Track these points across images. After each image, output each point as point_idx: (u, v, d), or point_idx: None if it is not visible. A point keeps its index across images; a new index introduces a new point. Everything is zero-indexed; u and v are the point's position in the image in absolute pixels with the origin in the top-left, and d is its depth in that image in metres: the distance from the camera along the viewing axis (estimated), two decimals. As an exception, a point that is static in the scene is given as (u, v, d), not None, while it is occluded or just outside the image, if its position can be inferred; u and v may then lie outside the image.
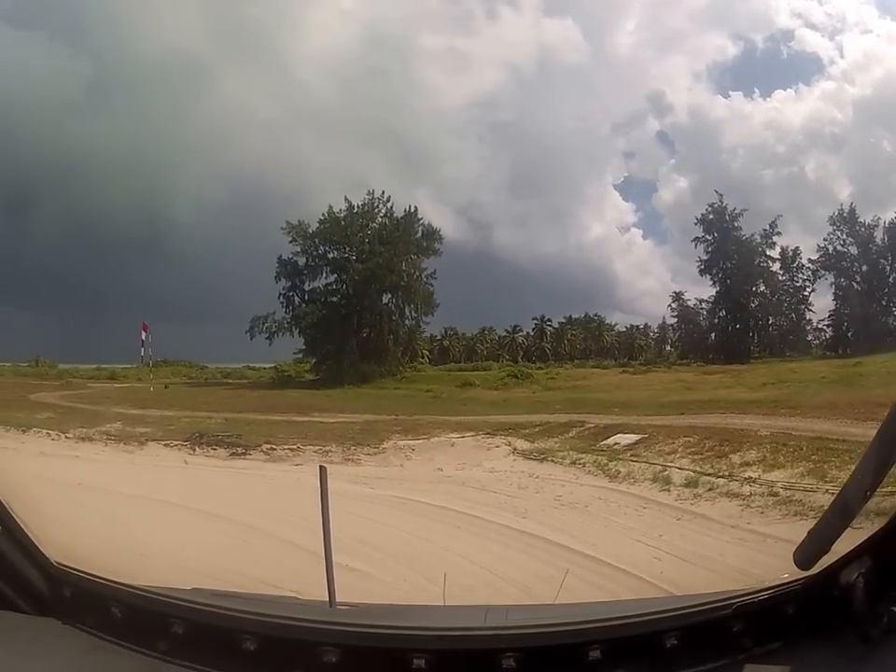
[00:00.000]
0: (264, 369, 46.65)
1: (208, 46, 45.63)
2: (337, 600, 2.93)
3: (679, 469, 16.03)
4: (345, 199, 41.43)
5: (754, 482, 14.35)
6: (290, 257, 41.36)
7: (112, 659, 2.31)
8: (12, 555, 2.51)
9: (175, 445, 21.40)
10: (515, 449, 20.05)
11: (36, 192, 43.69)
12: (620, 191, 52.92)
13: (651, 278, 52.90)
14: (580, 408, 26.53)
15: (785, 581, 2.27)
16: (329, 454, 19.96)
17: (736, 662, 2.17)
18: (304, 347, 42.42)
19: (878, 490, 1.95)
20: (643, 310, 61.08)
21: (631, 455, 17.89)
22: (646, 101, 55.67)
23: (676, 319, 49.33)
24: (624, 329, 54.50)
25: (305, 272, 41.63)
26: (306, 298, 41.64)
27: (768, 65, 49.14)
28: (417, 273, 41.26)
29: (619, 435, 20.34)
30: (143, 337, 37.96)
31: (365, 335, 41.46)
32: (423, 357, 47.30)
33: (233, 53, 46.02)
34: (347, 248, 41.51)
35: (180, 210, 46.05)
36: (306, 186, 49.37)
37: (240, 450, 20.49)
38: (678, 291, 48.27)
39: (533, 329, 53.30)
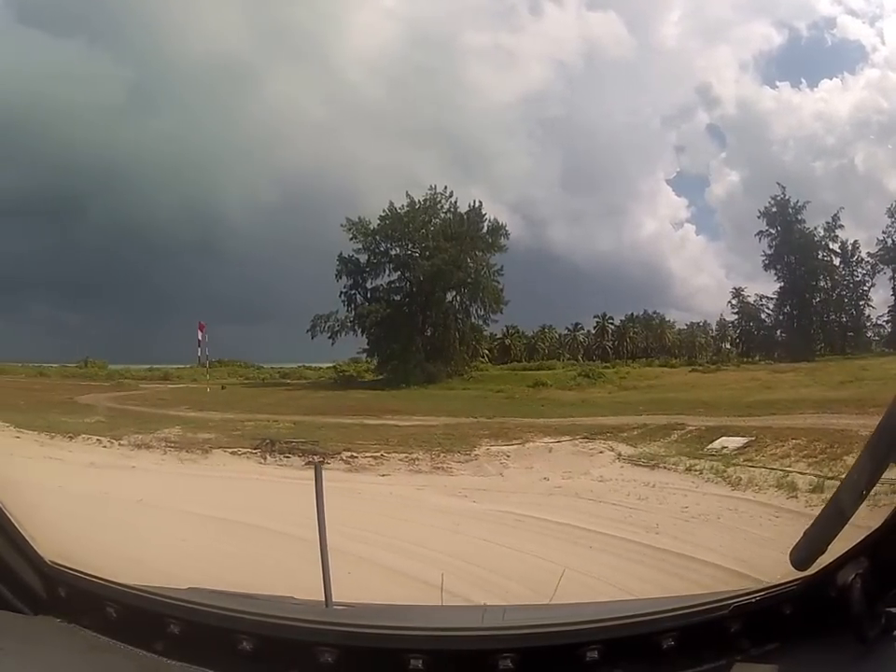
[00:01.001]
0: (322, 369, 44.95)
1: (253, 48, 45.38)
2: (333, 600, 2.85)
3: (799, 473, 14.76)
4: (406, 194, 39.82)
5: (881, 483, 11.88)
6: (351, 254, 39.69)
7: (108, 659, 2.25)
8: (6, 554, 2.40)
9: (244, 453, 18.88)
10: (620, 454, 18.05)
11: (86, 196, 43.77)
12: (672, 186, 50.99)
13: (706, 275, 51.50)
14: (664, 409, 24.69)
15: (782, 582, 2.21)
16: (417, 462, 17.79)
17: (734, 662, 2.11)
18: (367, 347, 40.79)
19: (875, 490, 1.87)
20: (698, 307, 58.26)
21: (745, 460, 16.38)
22: (694, 93, 53.10)
23: (736, 316, 47.83)
24: (685, 327, 52.20)
25: (367, 269, 39.75)
26: (368, 296, 39.85)
27: (813, 54, 47.65)
28: (485, 269, 39.05)
29: (724, 438, 18.72)
30: (199, 337, 36.55)
31: (430, 334, 39.59)
32: (483, 357, 44.93)
33: (279, 55, 45.80)
34: (410, 245, 39.64)
35: (233, 211, 45.59)
36: (359, 185, 47.94)
37: (316, 458, 17.70)
38: (737, 287, 46.64)
39: (595, 327, 51.33)
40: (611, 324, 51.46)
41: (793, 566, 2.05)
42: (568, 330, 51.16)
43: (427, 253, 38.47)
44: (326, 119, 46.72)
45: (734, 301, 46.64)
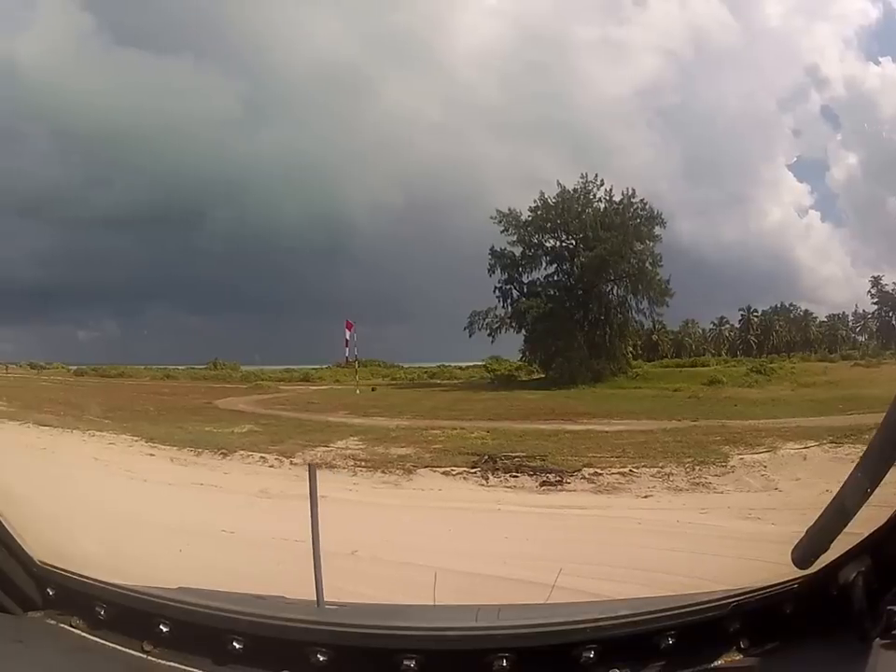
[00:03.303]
0: (468, 368, 43.30)
1: (363, 55, 44.25)
2: (325, 599, 2.79)
3: None
4: (558, 183, 36.18)
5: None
6: (504, 248, 36.32)
7: (97, 659, 2.21)
8: None
9: (459, 473, 14.38)
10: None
11: (207, 206, 43.91)
12: (793, 172, 46.24)
13: (832, 263, 47.00)
14: (865, 407, 19.93)
15: (783, 581, 2.16)
16: (672, 477, 13.63)
17: (734, 662, 2.07)
18: (524, 344, 37.65)
19: (877, 489, 1.80)
20: (825, 298, 53.41)
21: None
22: (804, 74, 48.78)
23: (876, 306, 44.60)
24: (825, 319, 48.77)
25: (523, 262, 36.41)
26: (525, 290, 36.47)
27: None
28: (651, 259, 34.89)
29: None
30: (346, 336, 33.61)
31: (591, 330, 35.76)
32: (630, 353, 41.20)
33: (390, 60, 44.65)
34: (564, 236, 36.18)
35: (359, 215, 44.45)
36: (483, 183, 45.74)
37: (552, 477, 13.67)
38: (876, 276, 42.97)
39: (740, 321, 48.14)
40: (756, 317, 48.32)
41: (795, 564, 1.95)
42: (714, 325, 48.15)
43: (587, 244, 35.05)
44: (442, 119, 45.65)
45: (872, 291, 43.31)
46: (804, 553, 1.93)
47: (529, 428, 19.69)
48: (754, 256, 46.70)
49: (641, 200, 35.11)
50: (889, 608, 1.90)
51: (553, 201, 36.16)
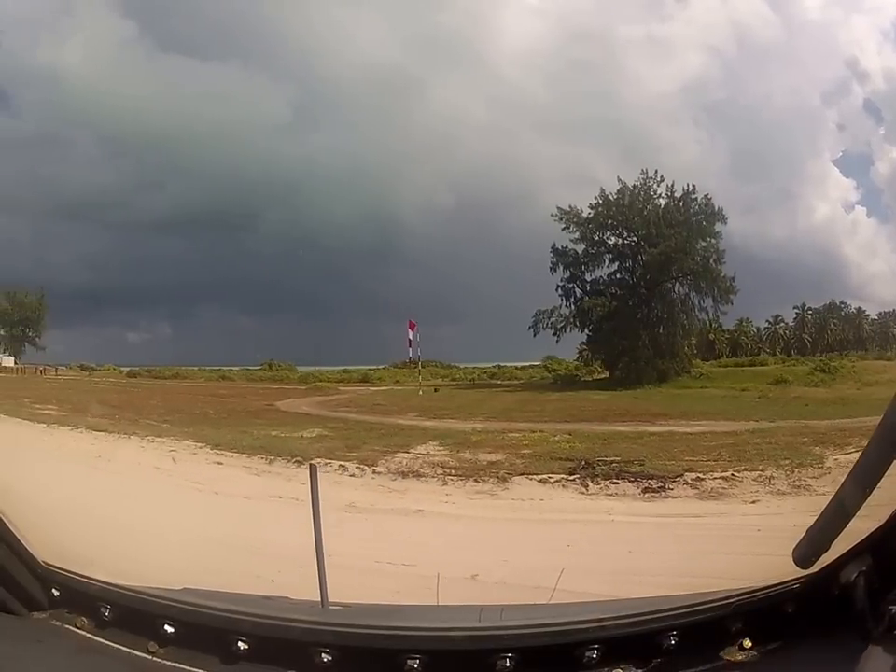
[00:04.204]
0: (526, 367, 43.23)
1: (409, 57, 46.04)
2: (329, 600, 2.76)
3: None
4: (618, 179, 36.04)
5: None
6: (566, 246, 36.05)
7: (101, 659, 2.21)
8: (1, 555, 2.34)
9: (557, 481, 13.38)
10: None
11: (260, 208, 46.02)
12: (839, 167, 46.73)
13: (879, 260, 46.53)
14: None
15: (784, 580, 2.15)
16: (773, 481, 12.79)
17: (736, 661, 2.05)
18: (586, 343, 37.67)
19: (877, 488, 1.78)
20: (874, 295, 52.24)
21: None
22: (844, 67, 48.56)
23: None
24: (876, 317, 48.40)
25: (585, 260, 36.07)
26: (588, 289, 36.18)
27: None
28: (715, 256, 34.26)
29: None
30: (409, 336, 34.02)
31: (654, 328, 35.43)
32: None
33: (435, 61, 46.24)
34: (626, 233, 35.77)
35: (411, 215, 45.53)
36: (532, 182, 47.14)
37: (653, 483, 12.88)
38: None
39: (794, 319, 48.12)
40: (810, 314, 48.19)
41: (796, 563, 1.95)
42: (769, 323, 48.00)
43: (650, 241, 34.56)
44: (490, 119, 46.72)
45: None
46: (805, 553, 1.94)
47: (610, 431, 19.24)
48: (803, 253, 47.09)
49: (706, 195, 34.65)
50: (890, 607, 1.88)
51: (614, 197, 35.80)
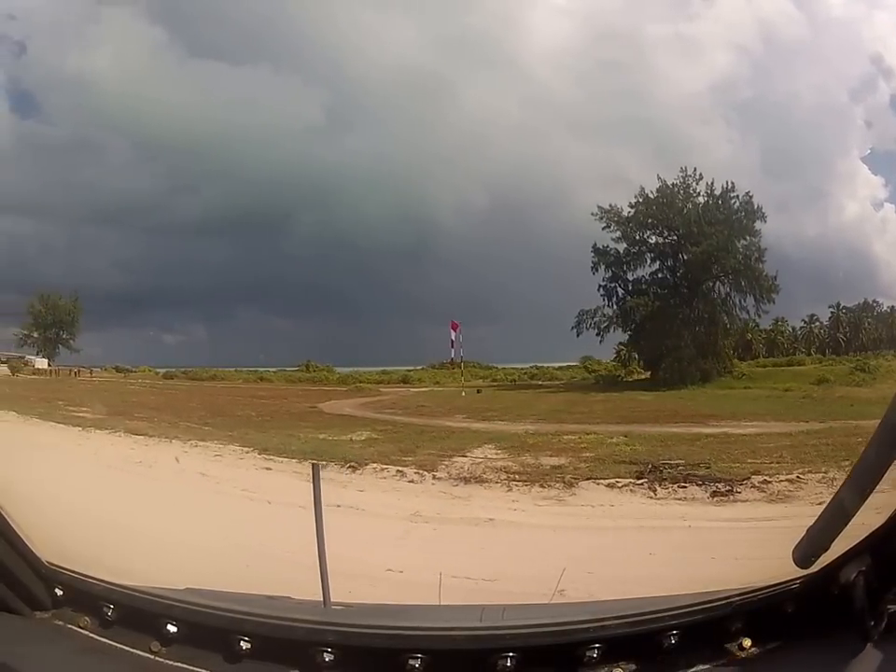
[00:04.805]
0: (565, 368, 43.27)
1: (439, 59, 45.77)
2: (332, 600, 2.82)
3: None
4: (658, 177, 35.82)
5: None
6: (607, 245, 35.99)
7: (105, 659, 2.22)
8: (4, 555, 2.34)
9: (625, 485, 13.22)
10: None
11: (295, 211, 46.15)
12: (867, 164, 46.32)
13: None
14: None
15: (784, 580, 2.13)
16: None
17: (735, 661, 2.05)
18: (629, 344, 37.58)
19: (877, 488, 1.78)
20: None
21: None
22: (870, 64, 48.22)
23: None
24: None
25: (627, 259, 35.98)
26: (630, 288, 36.09)
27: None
28: (756, 255, 34.02)
29: None
30: (452, 337, 34.17)
31: (696, 328, 35.16)
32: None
33: (466, 62, 46.16)
34: (667, 231, 35.60)
35: (445, 216, 45.59)
36: (565, 182, 47.00)
37: (721, 486, 12.77)
38: None
39: (829, 318, 47.97)
40: (845, 313, 48.06)
41: (796, 563, 1.95)
42: (804, 322, 47.81)
43: (691, 239, 34.43)
44: (522, 119, 46.74)
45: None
46: (805, 553, 1.93)
47: (665, 432, 19.05)
48: (834, 251, 46.83)
49: (747, 192, 34.45)
50: (890, 607, 1.89)
51: (654, 195, 35.73)
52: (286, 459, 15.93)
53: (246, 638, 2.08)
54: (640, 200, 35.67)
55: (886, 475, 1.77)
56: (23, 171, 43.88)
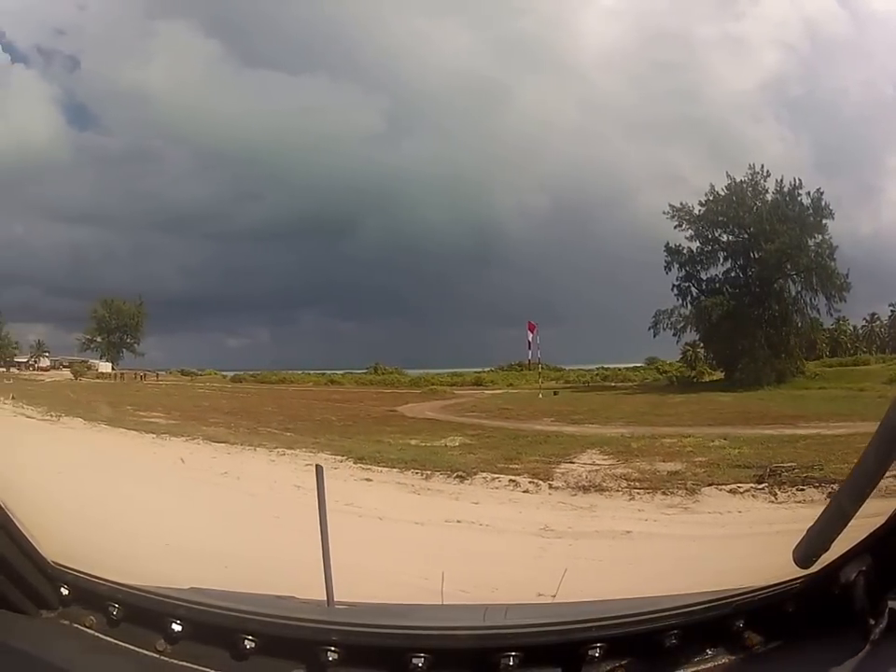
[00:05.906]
0: (636, 369, 43.54)
1: (493, 63, 47.49)
2: (335, 599, 2.87)
3: None
4: (727, 174, 35.88)
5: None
6: (679, 244, 36.11)
7: (109, 659, 2.24)
8: (9, 554, 2.29)
9: (746, 490, 13.24)
10: None
11: (358, 216, 47.74)
12: None
13: None
14: None
15: (785, 580, 2.11)
16: None
17: (737, 660, 2.05)
18: (704, 343, 37.59)
19: (878, 487, 1.75)
20: None
21: None
22: None
23: None
24: None
25: (700, 258, 36.09)
26: (704, 288, 36.13)
27: None
28: (828, 252, 33.79)
29: None
30: (529, 338, 34.27)
31: (769, 327, 35.03)
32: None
33: (519, 65, 47.83)
34: (738, 230, 35.59)
35: (507, 219, 46.98)
36: (624, 181, 48.11)
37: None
38: None
39: (889, 317, 48.12)
40: None
41: (796, 563, 1.91)
42: (866, 321, 47.90)
43: (763, 237, 34.24)
44: (580, 121, 47.88)
45: None
46: (805, 553, 1.92)
47: (761, 434, 18.61)
48: (890, 248, 45.68)
49: (817, 189, 34.27)
50: (891, 606, 1.89)
51: (724, 193, 35.73)
52: (385, 469, 15.38)
53: (251, 638, 2.12)
54: (711, 198, 35.72)
55: (886, 475, 1.76)
56: (85, 181, 46.51)
